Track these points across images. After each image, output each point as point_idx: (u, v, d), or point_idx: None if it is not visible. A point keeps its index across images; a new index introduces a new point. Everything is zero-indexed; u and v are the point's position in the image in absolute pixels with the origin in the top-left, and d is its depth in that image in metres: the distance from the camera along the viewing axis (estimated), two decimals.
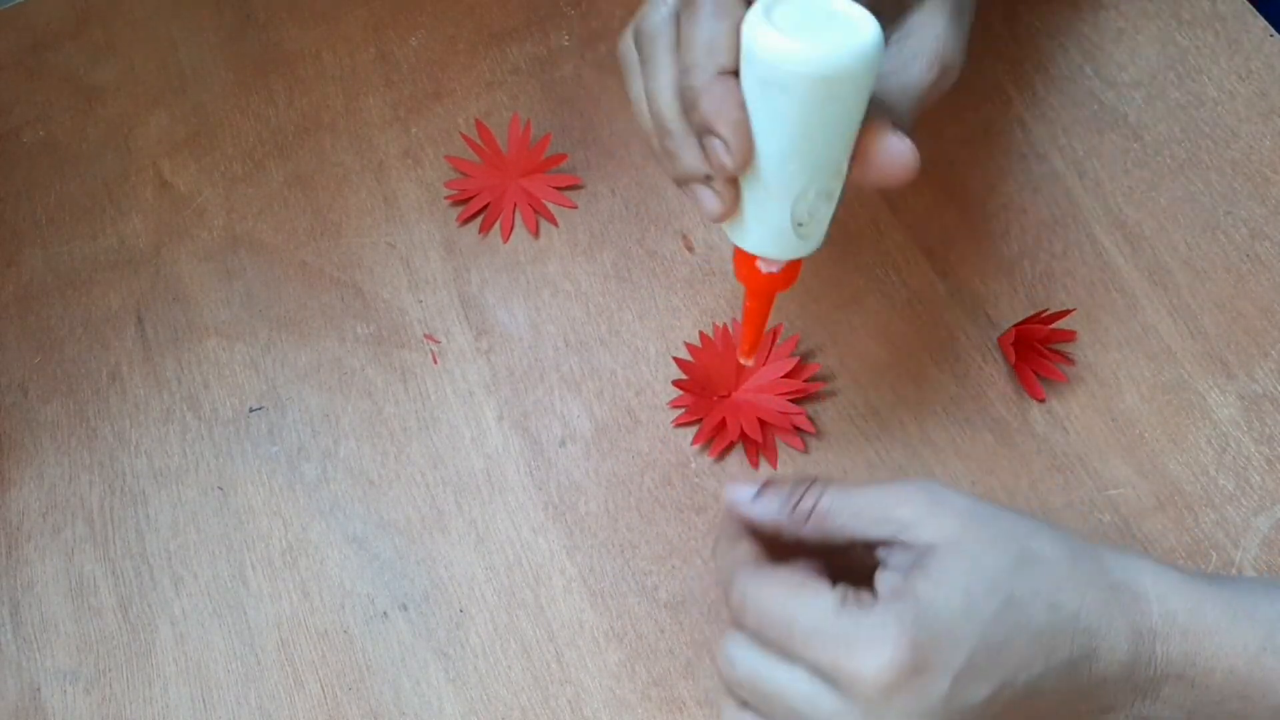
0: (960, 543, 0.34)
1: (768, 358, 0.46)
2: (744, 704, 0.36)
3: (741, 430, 0.45)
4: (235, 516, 0.47)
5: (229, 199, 0.53)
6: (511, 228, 0.51)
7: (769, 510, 0.37)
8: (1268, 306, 0.46)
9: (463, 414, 0.48)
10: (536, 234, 0.51)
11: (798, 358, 0.47)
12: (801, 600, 0.34)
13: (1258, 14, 0.51)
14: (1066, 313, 0.46)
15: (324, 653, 0.44)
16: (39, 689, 0.44)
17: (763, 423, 0.45)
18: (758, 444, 0.45)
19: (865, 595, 0.34)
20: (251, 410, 0.48)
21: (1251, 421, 0.45)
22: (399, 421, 0.48)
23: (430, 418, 0.48)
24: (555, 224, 0.51)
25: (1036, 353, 0.45)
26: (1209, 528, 0.43)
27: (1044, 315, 0.45)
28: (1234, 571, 0.43)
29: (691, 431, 0.46)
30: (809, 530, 0.36)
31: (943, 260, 0.48)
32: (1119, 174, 0.49)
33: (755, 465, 0.45)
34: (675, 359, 0.46)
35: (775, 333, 0.47)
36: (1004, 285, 0.48)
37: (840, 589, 0.34)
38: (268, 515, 0.46)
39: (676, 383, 0.46)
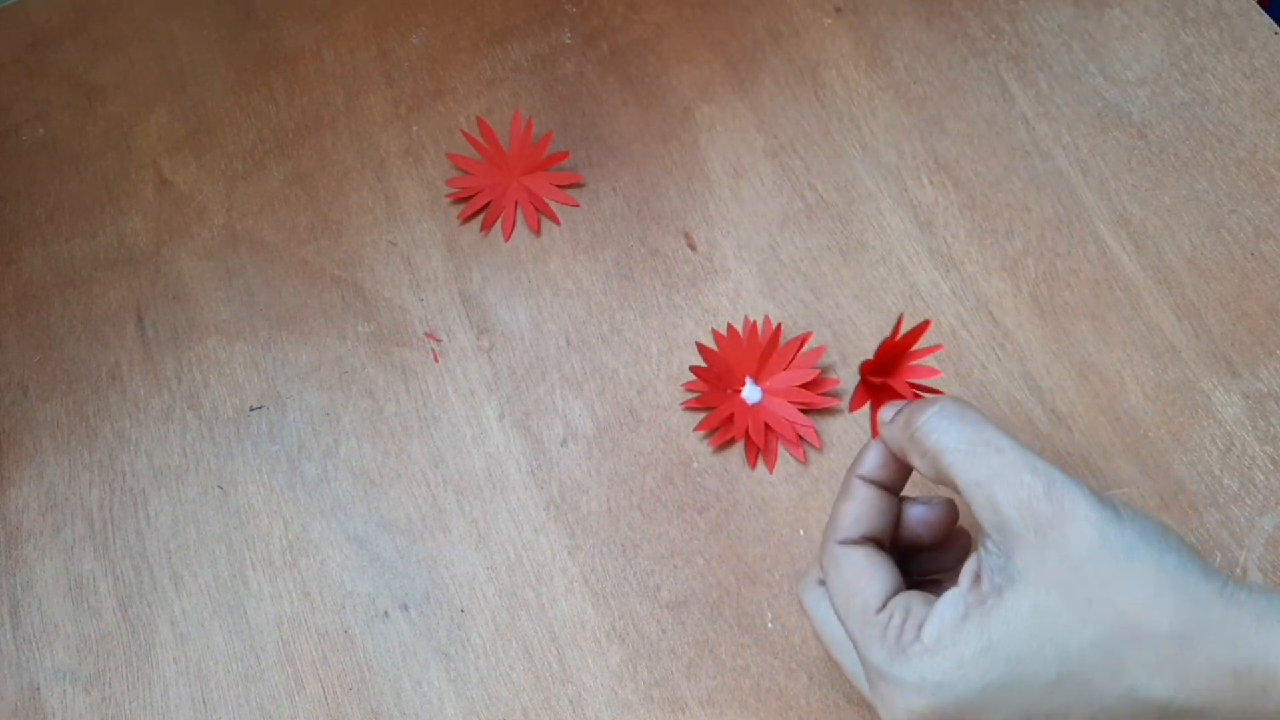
0: (1046, 593, 0.30)
1: (790, 364, 0.46)
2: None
3: (746, 431, 0.45)
4: (235, 516, 0.46)
5: (229, 197, 0.52)
6: (513, 226, 0.51)
7: (893, 427, 0.36)
8: (1272, 305, 0.46)
9: (464, 413, 0.47)
10: (538, 232, 0.50)
11: (819, 370, 0.46)
12: (850, 603, 0.34)
13: (1262, 12, 0.51)
14: (921, 330, 0.39)
15: (324, 653, 0.44)
16: (38, 688, 0.44)
17: (768, 428, 0.45)
18: (759, 447, 0.45)
19: (911, 625, 0.32)
20: (252, 409, 0.48)
21: (1256, 421, 0.45)
22: (400, 420, 0.47)
23: (431, 417, 0.47)
24: (557, 222, 0.51)
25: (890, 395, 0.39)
26: (1213, 527, 0.43)
27: (898, 341, 0.38)
28: (1238, 572, 0.43)
29: (693, 429, 0.46)
30: (925, 467, 0.34)
31: (945, 258, 0.48)
32: (1123, 172, 0.49)
33: (753, 465, 0.45)
34: (699, 345, 0.46)
35: (803, 339, 0.46)
36: (1008, 284, 0.47)
37: (890, 609, 0.33)
38: (268, 514, 0.46)
39: (694, 369, 0.46)
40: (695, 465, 0.46)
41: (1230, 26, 0.51)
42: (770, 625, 0.43)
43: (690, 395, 0.46)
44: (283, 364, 0.49)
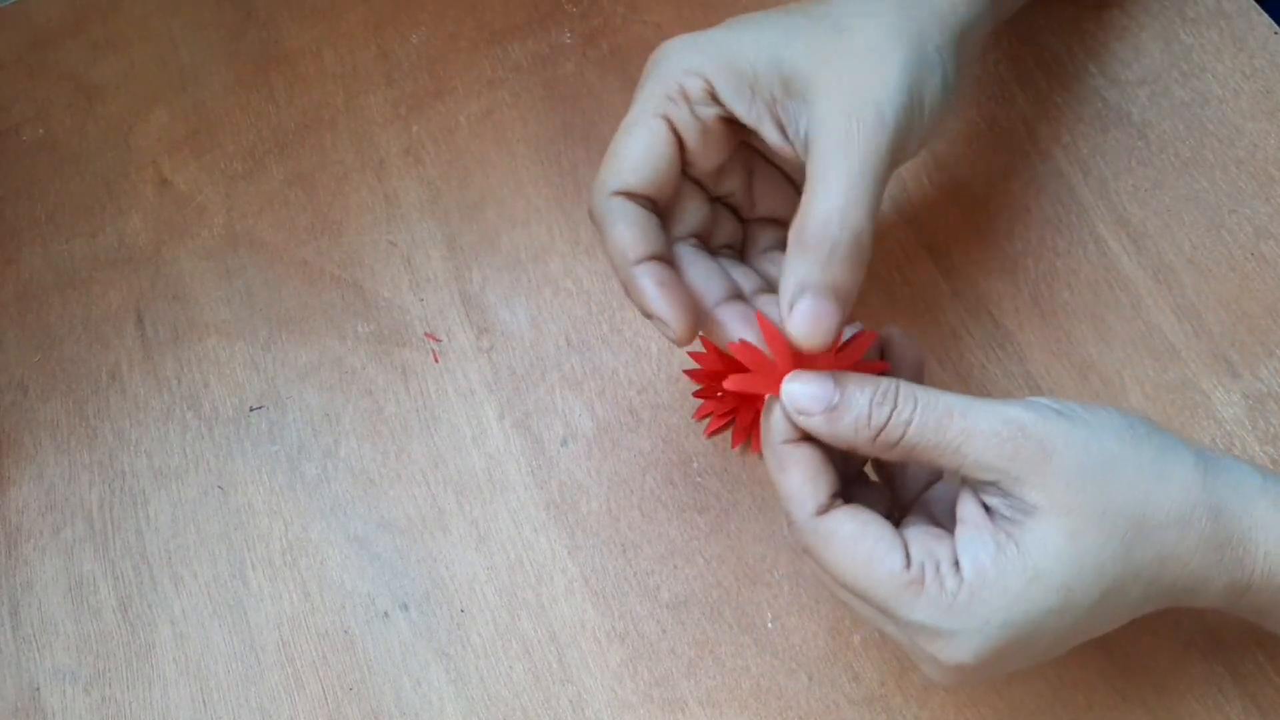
0: (1068, 517, 0.31)
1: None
2: None
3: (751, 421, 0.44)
4: (235, 516, 0.46)
5: (229, 197, 0.52)
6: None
7: (845, 430, 0.33)
8: (1272, 305, 0.46)
9: (464, 413, 0.47)
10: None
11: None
12: (872, 575, 0.32)
13: (1262, 11, 0.51)
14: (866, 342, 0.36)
15: (324, 653, 0.44)
16: (38, 689, 0.44)
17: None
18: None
19: (945, 569, 0.32)
20: (252, 409, 0.48)
21: (1256, 421, 0.45)
22: (400, 420, 0.47)
23: (431, 417, 0.47)
24: None
25: None
26: None
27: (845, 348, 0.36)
28: None
29: (692, 429, 0.46)
30: (895, 458, 0.33)
31: (946, 258, 0.48)
32: (1123, 172, 0.49)
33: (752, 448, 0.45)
34: (686, 368, 0.46)
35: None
36: (1007, 284, 0.48)
37: (918, 563, 0.32)
38: (268, 515, 0.46)
39: (693, 383, 0.45)
40: (695, 465, 0.46)
41: (1230, 26, 0.51)
42: (770, 625, 0.43)
43: (695, 403, 0.46)
44: (283, 364, 0.49)
